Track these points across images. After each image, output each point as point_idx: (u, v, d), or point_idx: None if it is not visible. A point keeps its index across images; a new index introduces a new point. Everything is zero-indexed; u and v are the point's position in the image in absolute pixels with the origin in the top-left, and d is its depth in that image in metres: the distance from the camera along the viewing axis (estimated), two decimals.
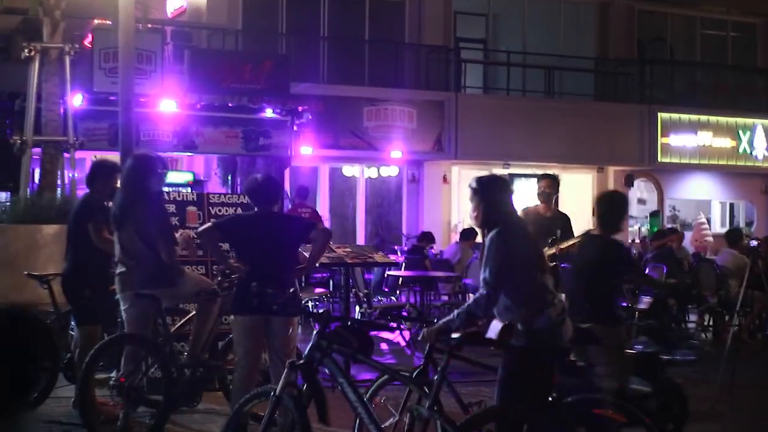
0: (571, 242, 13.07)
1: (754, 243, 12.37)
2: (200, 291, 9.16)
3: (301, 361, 7.01)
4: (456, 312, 6.74)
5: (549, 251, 13.09)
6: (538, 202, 13.14)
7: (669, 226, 28.79)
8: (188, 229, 11.22)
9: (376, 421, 6.84)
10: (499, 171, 28.74)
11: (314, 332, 7.07)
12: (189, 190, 21.20)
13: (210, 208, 11.73)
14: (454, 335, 6.63)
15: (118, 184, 9.73)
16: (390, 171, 27.67)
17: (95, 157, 14.17)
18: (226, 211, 11.75)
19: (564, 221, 13.32)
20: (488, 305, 6.61)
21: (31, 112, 15.58)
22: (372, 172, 27.81)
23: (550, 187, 13.28)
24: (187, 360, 9.20)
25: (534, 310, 6.58)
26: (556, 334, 6.61)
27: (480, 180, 6.95)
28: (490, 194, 6.83)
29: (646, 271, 17.64)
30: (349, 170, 27.53)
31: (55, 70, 15.60)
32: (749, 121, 30.01)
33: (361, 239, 27.16)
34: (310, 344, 7.04)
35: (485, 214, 6.80)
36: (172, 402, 8.98)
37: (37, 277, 10.84)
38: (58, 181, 15.81)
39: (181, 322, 9.74)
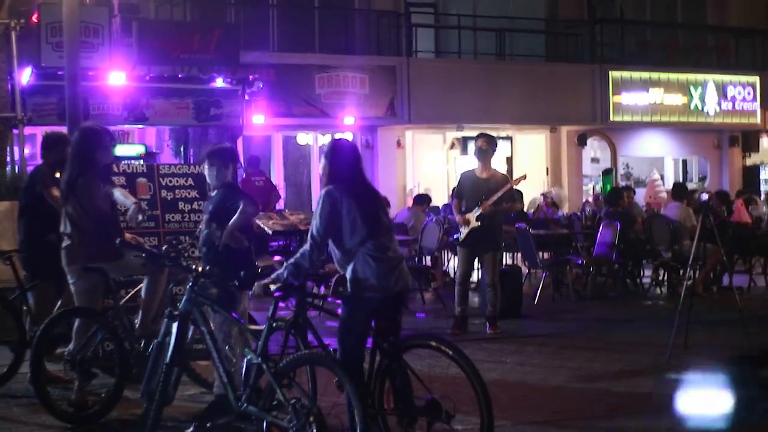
0: (495, 198, 13.21)
1: (704, 197, 12.43)
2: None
3: (176, 312, 7.55)
4: (285, 264, 7.32)
5: (476, 212, 13.21)
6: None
7: (623, 183, 29.02)
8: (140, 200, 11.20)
9: (224, 365, 7.45)
10: (453, 134, 28.86)
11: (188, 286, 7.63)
12: (141, 162, 21.07)
13: (160, 179, 11.63)
14: (273, 286, 7.10)
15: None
16: (345, 138, 27.57)
17: (45, 132, 14.04)
18: (177, 181, 11.68)
19: (499, 183, 13.44)
20: (312, 258, 7.23)
21: None
22: (326, 140, 27.71)
23: (486, 144, 13.45)
24: (139, 331, 9.15)
25: (356, 262, 7.11)
26: (383, 284, 7.08)
27: (330, 142, 7.63)
28: (334, 156, 7.40)
29: (600, 228, 17.77)
30: (303, 138, 27.44)
31: (1, 46, 15.45)
32: (700, 77, 30.14)
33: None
34: (185, 296, 7.58)
35: (329, 174, 7.36)
36: (128, 374, 8.95)
37: None
38: (8, 158, 15.68)
39: (131, 293, 9.67)
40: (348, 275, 7.17)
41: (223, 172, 8.72)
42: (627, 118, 29.36)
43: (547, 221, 20.51)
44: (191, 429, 7.86)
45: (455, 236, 13.93)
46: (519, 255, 19.15)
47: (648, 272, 19.11)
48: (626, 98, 29.08)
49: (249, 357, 7.14)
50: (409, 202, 23.68)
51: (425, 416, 6.98)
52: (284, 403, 6.77)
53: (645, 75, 29.37)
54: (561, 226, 20.39)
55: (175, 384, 7.67)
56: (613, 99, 28.91)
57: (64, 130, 11.72)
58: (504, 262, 18.79)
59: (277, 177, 25.96)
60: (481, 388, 6.76)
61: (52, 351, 9.57)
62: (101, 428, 8.64)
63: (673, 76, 29.73)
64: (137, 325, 9.25)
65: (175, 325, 7.53)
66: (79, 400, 8.94)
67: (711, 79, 30.21)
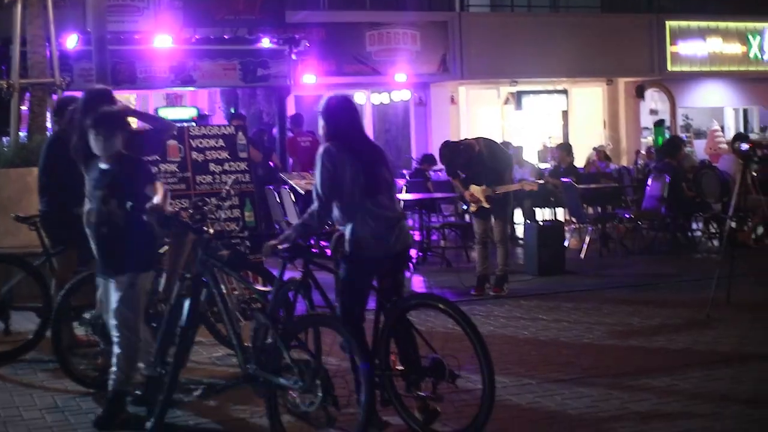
0: (506, 189, 13.01)
1: (744, 146, 12.05)
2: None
3: (189, 275, 7.59)
4: (293, 225, 7.27)
5: (485, 191, 12.98)
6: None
7: (684, 136, 28.67)
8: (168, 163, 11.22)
9: (234, 326, 7.43)
10: (507, 89, 28.60)
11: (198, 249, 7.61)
12: (194, 125, 21.14)
13: (191, 141, 11.63)
14: (282, 246, 7.03)
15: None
16: (401, 95, 27.48)
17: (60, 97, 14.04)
18: (207, 143, 11.66)
19: (488, 149, 13.25)
20: (320, 217, 7.06)
21: (17, 56, 15.43)
22: (383, 98, 27.61)
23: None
24: (163, 294, 9.10)
25: (355, 221, 7.01)
26: (382, 243, 6.98)
27: (324, 99, 7.30)
28: (329, 113, 7.19)
29: (649, 181, 17.51)
30: (359, 97, 27.34)
31: (37, 12, 15.38)
32: (758, 25, 29.66)
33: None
34: (198, 258, 7.55)
35: (326, 132, 7.16)
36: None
37: (23, 220, 10.71)
38: (48, 124, 15.71)
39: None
40: (347, 234, 7.05)
41: (111, 141, 7.74)
42: (685, 68, 28.99)
43: (598, 175, 20.25)
44: (199, 391, 7.85)
45: (464, 207, 13.76)
46: (565, 210, 18.93)
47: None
48: (684, 48, 28.68)
49: (256, 315, 7.09)
50: None
51: (429, 376, 6.90)
52: (290, 365, 6.70)
53: (702, 24, 28.96)
54: (612, 180, 20.13)
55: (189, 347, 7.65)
56: (671, 49, 28.51)
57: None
58: (550, 217, 18.71)
59: None
60: (481, 346, 6.65)
61: (80, 316, 9.52)
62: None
63: (731, 25, 29.28)
64: (161, 289, 9.20)
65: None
66: (104, 363, 8.92)
67: None
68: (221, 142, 11.71)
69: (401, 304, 7.07)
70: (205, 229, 7.65)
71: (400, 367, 7.09)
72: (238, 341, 7.35)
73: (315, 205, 7.05)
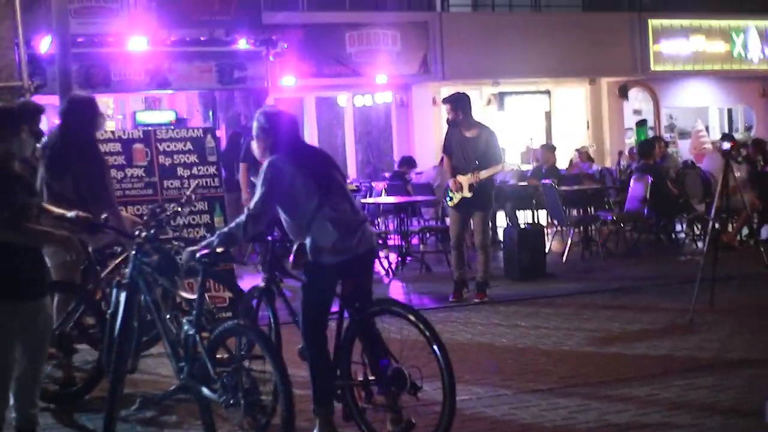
0: (490, 172, 12.63)
1: (726, 146, 11.78)
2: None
3: (125, 281, 7.31)
4: (218, 232, 6.98)
5: (469, 179, 12.62)
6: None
7: (668, 136, 28.48)
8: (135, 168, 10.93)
9: (168, 335, 7.13)
10: (489, 89, 28.35)
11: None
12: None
13: (158, 144, 11.30)
14: (201, 252, 6.78)
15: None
16: (383, 97, 27.23)
17: None
18: (175, 146, 11.34)
19: (487, 137, 12.84)
20: (245, 230, 6.81)
21: None
22: (366, 100, 27.35)
23: (453, 111, 12.85)
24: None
25: (314, 229, 6.79)
26: (344, 246, 6.75)
27: (262, 115, 7.07)
28: (271, 126, 6.94)
29: (631, 182, 17.25)
30: (341, 100, 27.07)
31: (5, 14, 15.12)
32: (742, 23, 29.46)
33: (352, 168, 26.82)
34: (130, 264, 7.28)
35: (271, 145, 6.93)
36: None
37: None
38: None
39: (112, 266, 9.29)
40: (308, 243, 6.84)
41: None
42: (668, 68, 28.81)
43: (580, 176, 19.97)
44: (137, 405, 7.57)
45: (446, 199, 13.39)
46: (546, 213, 18.65)
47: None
48: (666, 47, 28.50)
49: (186, 328, 6.87)
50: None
51: (390, 386, 6.66)
52: (214, 377, 6.54)
53: (685, 22, 28.79)
54: (594, 181, 19.86)
55: (135, 354, 7.57)
56: (653, 48, 28.31)
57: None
58: (532, 220, 18.44)
59: (311, 139, 25.61)
60: (443, 356, 6.42)
61: None
62: (85, 406, 8.32)
63: (714, 23, 29.09)
64: None
65: (123, 295, 7.25)
66: (65, 377, 8.64)
67: (753, 25, 29.46)
68: (189, 146, 11.38)
69: (364, 310, 6.83)
70: (137, 233, 7.37)
71: (360, 378, 6.86)
72: (173, 350, 7.10)
73: (243, 217, 6.84)
